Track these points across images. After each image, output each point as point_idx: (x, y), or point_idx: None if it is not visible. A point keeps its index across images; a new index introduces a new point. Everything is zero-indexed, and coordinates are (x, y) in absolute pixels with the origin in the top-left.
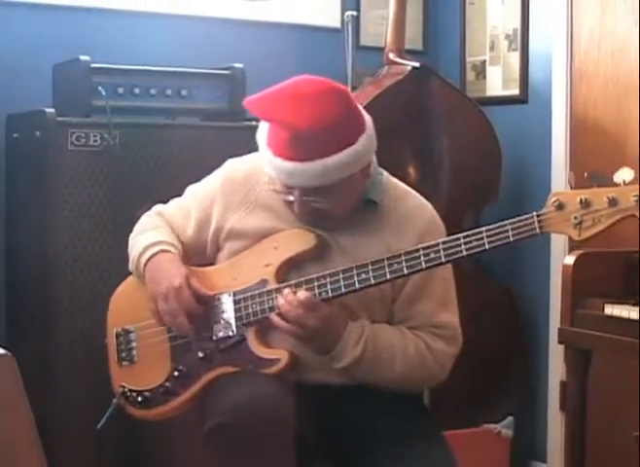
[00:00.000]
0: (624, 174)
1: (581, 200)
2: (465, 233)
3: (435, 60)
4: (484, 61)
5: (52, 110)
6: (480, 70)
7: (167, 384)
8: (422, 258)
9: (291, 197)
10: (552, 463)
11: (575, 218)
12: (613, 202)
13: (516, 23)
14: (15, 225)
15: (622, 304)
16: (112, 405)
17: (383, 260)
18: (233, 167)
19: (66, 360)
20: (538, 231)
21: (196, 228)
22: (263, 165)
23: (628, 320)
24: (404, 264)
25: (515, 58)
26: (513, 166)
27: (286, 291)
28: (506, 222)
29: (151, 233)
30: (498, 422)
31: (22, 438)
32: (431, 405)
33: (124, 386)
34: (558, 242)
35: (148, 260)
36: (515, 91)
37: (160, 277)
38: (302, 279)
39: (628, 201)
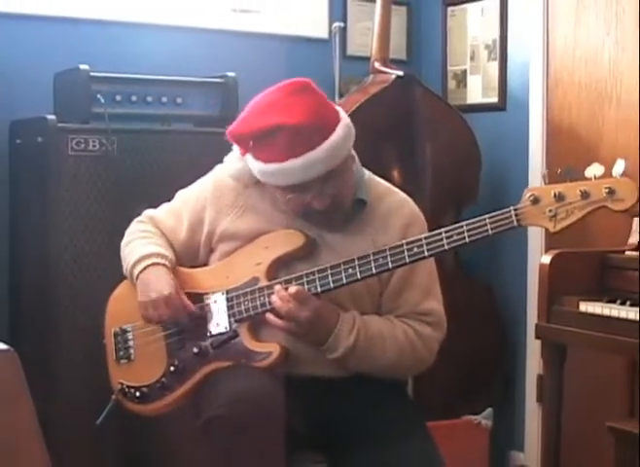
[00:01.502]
0: (595, 169)
1: (555, 194)
2: (446, 228)
3: (418, 69)
4: (465, 70)
5: (53, 117)
6: (461, 79)
7: (164, 380)
8: (406, 252)
9: (308, 198)
10: (530, 452)
11: (550, 211)
12: (585, 195)
13: (496, 34)
14: (17, 226)
15: (597, 301)
16: (111, 401)
17: (369, 255)
18: (223, 172)
19: (67, 358)
20: (515, 223)
21: (189, 231)
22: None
23: (602, 316)
24: (389, 258)
25: (494, 68)
26: (492, 170)
27: (277, 287)
28: (485, 216)
29: (142, 243)
30: (478, 414)
31: (25, 431)
32: (415, 397)
33: (122, 383)
34: (535, 243)
35: (140, 272)
36: (494, 99)
37: (149, 289)
38: (292, 276)
39: (600, 194)
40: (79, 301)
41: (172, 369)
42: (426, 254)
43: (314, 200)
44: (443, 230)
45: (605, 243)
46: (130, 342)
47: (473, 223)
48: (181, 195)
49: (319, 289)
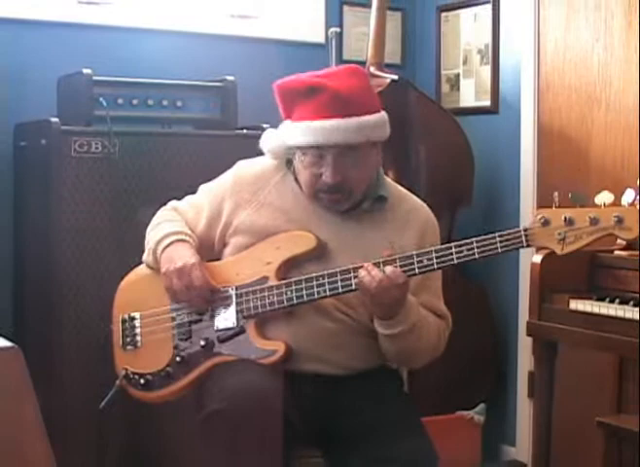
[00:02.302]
0: (605, 197)
1: (565, 218)
2: (456, 243)
3: (412, 73)
4: (458, 74)
5: (56, 119)
6: (455, 82)
7: (169, 369)
8: (416, 264)
9: (322, 169)
10: (521, 447)
11: (559, 234)
12: (594, 221)
13: (488, 39)
14: (22, 225)
15: (586, 299)
16: (115, 386)
17: (379, 263)
18: (244, 168)
19: (67, 356)
20: (525, 244)
21: (207, 223)
22: (282, 153)
23: (591, 314)
24: (398, 268)
25: (486, 72)
26: (485, 172)
27: (368, 265)
28: (495, 234)
29: (169, 225)
30: (471, 409)
31: (29, 424)
32: (410, 393)
33: (126, 369)
34: None
35: (166, 247)
36: (486, 102)
37: (175, 258)
38: (303, 278)
39: (608, 221)
40: (81, 299)
41: (178, 359)
42: (435, 267)
43: (326, 172)
44: (453, 244)
45: (594, 243)
46: (137, 330)
47: (483, 240)
48: (203, 188)
49: (328, 293)
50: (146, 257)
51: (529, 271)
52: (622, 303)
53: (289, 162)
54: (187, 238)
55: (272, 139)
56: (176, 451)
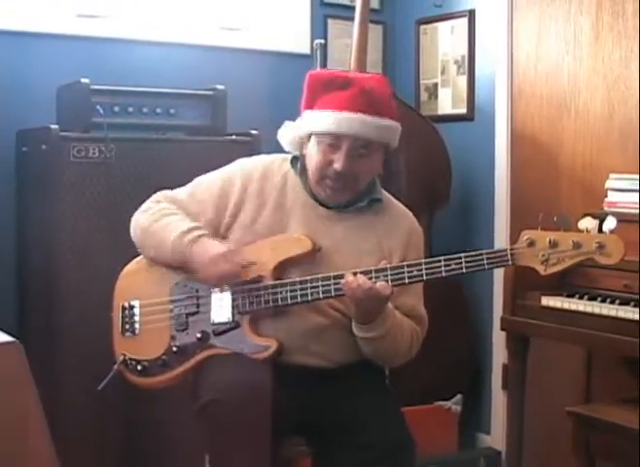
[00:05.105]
0: (588, 223)
1: (549, 241)
2: (446, 257)
3: (393, 83)
4: (436, 84)
5: (56, 126)
6: (433, 91)
7: (165, 358)
8: (406, 274)
9: (335, 156)
10: (496, 435)
11: (543, 255)
12: (577, 245)
13: (464, 51)
14: (23, 226)
15: (557, 295)
16: (112, 370)
17: (371, 271)
18: (248, 163)
19: (68, 347)
20: (510, 262)
21: (214, 213)
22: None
23: (562, 310)
24: (389, 277)
25: (462, 81)
26: (461, 176)
27: (360, 276)
28: (483, 251)
29: (179, 219)
30: (448, 400)
31: (30, 415)
32: (392, 385)
33: (125, 354)
34: (501, 241)
35: (191, 241)
36: (462, 110)
37: (208, 250)
38: (297, 280)
39: (590, 246)
40: (79, 296)
41: (175, 348)
42: (424, 278)
43: (339, 159)
44: (442, 258)
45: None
46: (137, 318)
47: (471, 256)
48: (202, 180)
49: (321, 295)
50: (153, 254)
51: (503, 269)
52: (590, 299)
53: (294, 159)
54: (207, 233)
55: (291, 130)
56: (174, 441)
